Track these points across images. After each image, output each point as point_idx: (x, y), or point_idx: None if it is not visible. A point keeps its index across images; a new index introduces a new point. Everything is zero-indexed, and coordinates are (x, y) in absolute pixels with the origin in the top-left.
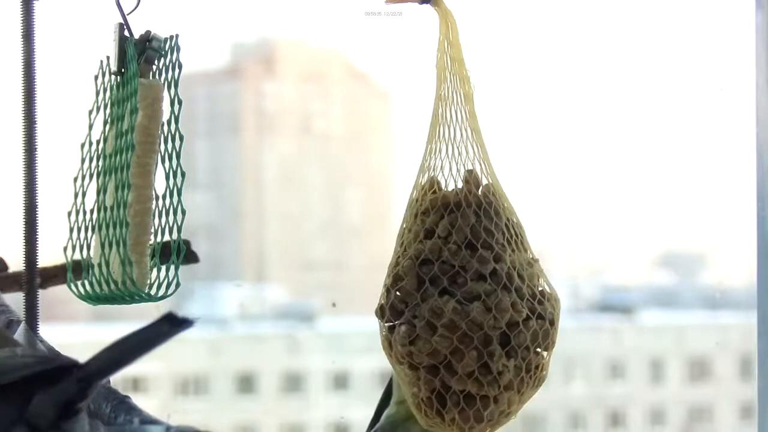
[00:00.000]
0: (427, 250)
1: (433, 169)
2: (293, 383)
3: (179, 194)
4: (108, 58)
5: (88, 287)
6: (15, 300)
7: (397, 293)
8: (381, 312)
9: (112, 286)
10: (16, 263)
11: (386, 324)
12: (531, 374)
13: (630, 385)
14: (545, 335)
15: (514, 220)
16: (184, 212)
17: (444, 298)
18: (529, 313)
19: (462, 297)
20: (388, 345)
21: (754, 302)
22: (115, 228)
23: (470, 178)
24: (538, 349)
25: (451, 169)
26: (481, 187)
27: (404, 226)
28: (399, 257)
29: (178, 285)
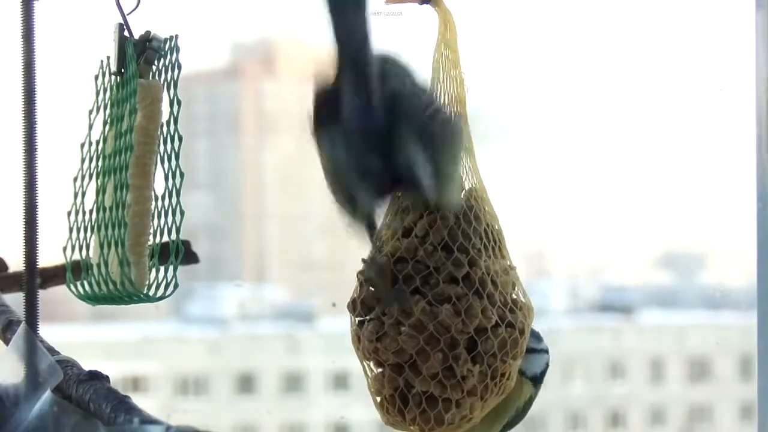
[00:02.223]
0: (403, 249)
1: None
2: (293, 383)
3: (178, 195)
4: (108, 58)
5: (87, 287)
6: (15, 300)
7: (370, 289)
8: (353, 306)
9: (111, 286)
10: (16, 263)
11: (357, 318)
12: (496, 381)
13: (630, 385)
14: (514, 344)
15: (495, 226)
16: (182, 213)
17: (415, 298)
18: (498, 320)
19: (432, 298)
20: (357, 339)
21: (754, 302)
22: (113, 228)
23: None
24: (505, 358)
25: None
26: (463, 191)
27: (385, 221)
28: (375, 253)
29: (176, 286)
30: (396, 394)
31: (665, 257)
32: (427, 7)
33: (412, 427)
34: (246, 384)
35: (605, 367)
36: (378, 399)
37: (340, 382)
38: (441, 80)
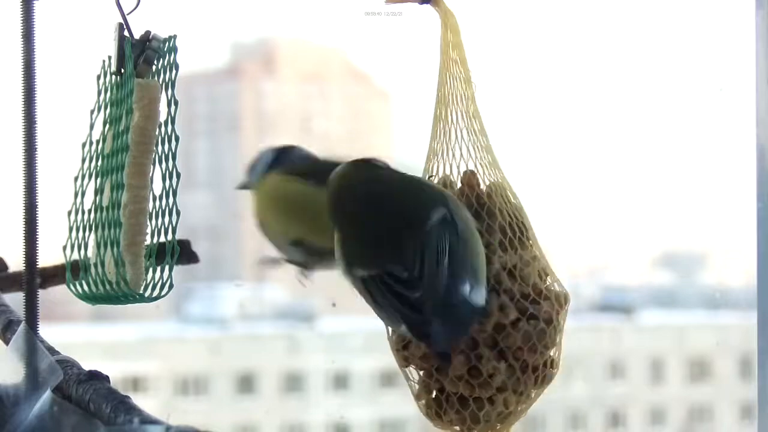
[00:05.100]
0: None
1: (436, 170)
2: (293, 383)
3: (175, 195)
4: (110, 57)
5: (86, 287)
6: (15, 300)
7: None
8: None
9: (108, 286)
10: (16, 263)
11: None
12: (529, 374)
13: (630, 385)
14: (541, 335)
15: (518, 217)
16: (179, 213)
17: None
18: (519, 314)
19: None
20: (392, 348)
21: (754, 302)
22: (110, 228)
23: (465, 179)
24: (534, 350)
25: (451, 169)
26: (476, 189)
27: None
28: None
29: (171, 286)
30: (432, 398)
31: (665, 257)
32: (427, 7)
33: (455, 427)
34: (246, 384)
35: (605, 367)
36: (422, 402)
37: (340, 382)
38: (447, 80)
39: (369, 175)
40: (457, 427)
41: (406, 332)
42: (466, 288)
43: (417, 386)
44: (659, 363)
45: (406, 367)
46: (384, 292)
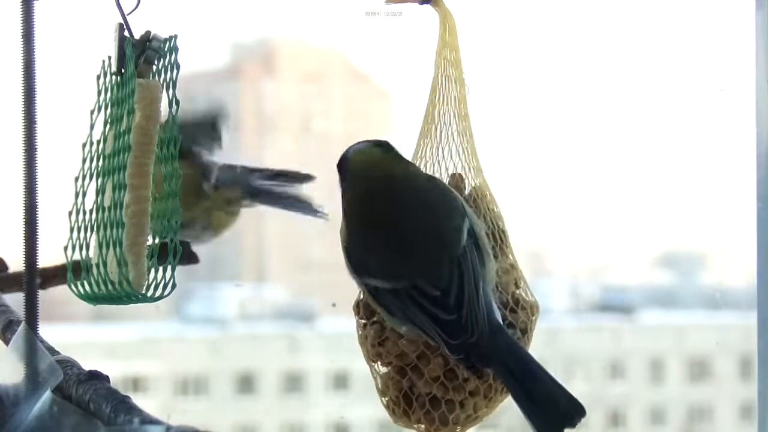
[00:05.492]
0: None
1: (423, 170)
2: (293, 383)
3: (176, 196)
4: (109, 58)
5: (87, 287)
6: (15, 300)
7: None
8: (357, 308)
9: (110, 286)
10: (16, 263)
11: (362, 321)
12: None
13: (630, 385)
14: None
15: (499, 225)
16: (180, 214)
17: None
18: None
19: None
20: (363, 342)
21: (754, 302)
22: (112, 229)
23: (453, 181)
24: None
25: (435, 170)
26: (463, 193)
27: None
28: None
29: (174, 286)
30: (401, 396)
31: (665, 257)
32: (427, 7)
33: (417, 426)
34: (246, 384)
35: (605, 366)
36: (384, 399)
37: (340, 382)
38: (441, 81)
39: (393, 165)
40: (423, 426)
41: (440, 345)
42: (495, 297)
43: (382, 382)
44: (659, 363)
45: (376, 362)
46: (409, 304)
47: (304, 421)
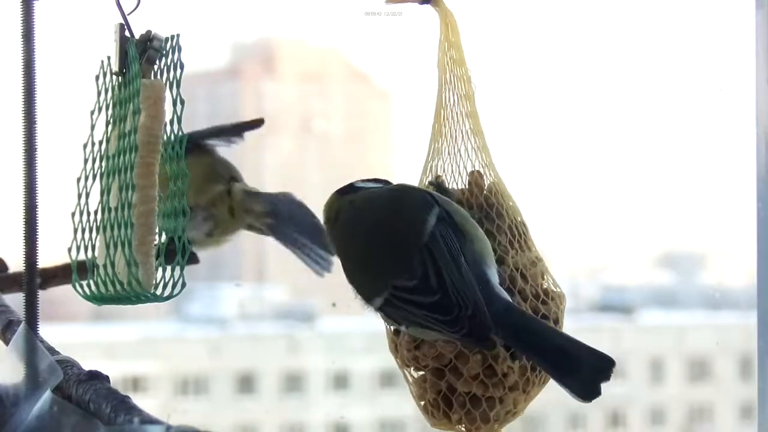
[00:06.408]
0: None
1: (437, 169)
2: (293, 383)
3: (183, 196)
4: (109, 58)
5: (93, 288)
6: (15, 300)
7: None
8: None
9: (118, 286)
10: (16, 263)
11: (392, 327)
12: (537, 373)
13: (630, 385)
14: None
15: (519, 219)
16: (186, 214)
17: None
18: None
19: None
20: (395, 347)
21: (754, 302)
22: (120, 229)
23: (473, 179)
24: None
25: (453, 169)
26: (484, 189)
27: None
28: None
29: (183, 285)
30: (439, 398)
31: (665, 257)
32: (427, 7)
33: (458, 427)
34: (246, 384)
35: None
36: (422, 403)
37: (340, 382)
38: (447, 80)
39: (353, 203)
40: (463, 427)
41: (444, 332)
42: (489, 272)
43: (418, 387)
44: (659, 363)
45: (410, 367)
46: (402, 307)
47: (304, 421)
